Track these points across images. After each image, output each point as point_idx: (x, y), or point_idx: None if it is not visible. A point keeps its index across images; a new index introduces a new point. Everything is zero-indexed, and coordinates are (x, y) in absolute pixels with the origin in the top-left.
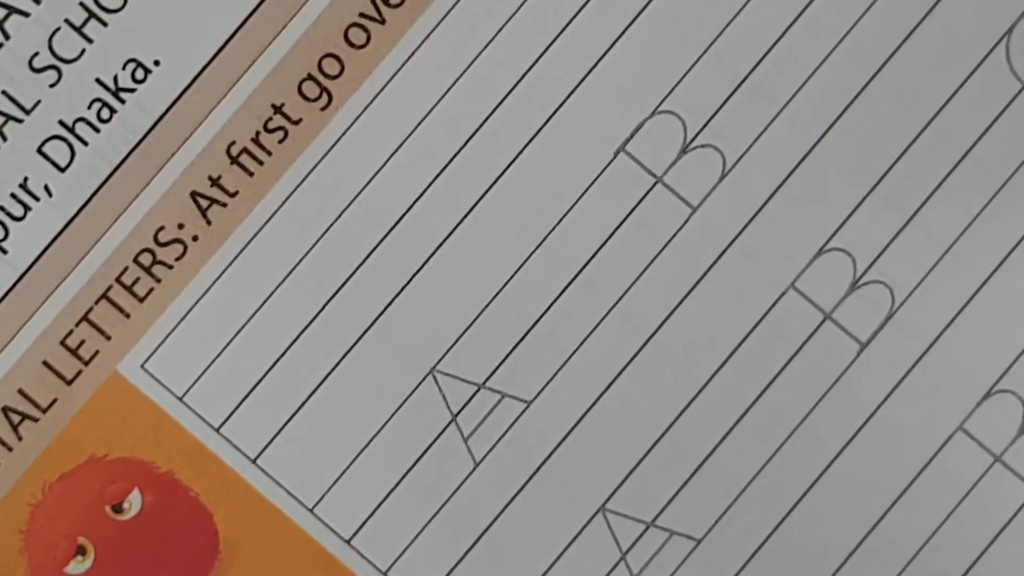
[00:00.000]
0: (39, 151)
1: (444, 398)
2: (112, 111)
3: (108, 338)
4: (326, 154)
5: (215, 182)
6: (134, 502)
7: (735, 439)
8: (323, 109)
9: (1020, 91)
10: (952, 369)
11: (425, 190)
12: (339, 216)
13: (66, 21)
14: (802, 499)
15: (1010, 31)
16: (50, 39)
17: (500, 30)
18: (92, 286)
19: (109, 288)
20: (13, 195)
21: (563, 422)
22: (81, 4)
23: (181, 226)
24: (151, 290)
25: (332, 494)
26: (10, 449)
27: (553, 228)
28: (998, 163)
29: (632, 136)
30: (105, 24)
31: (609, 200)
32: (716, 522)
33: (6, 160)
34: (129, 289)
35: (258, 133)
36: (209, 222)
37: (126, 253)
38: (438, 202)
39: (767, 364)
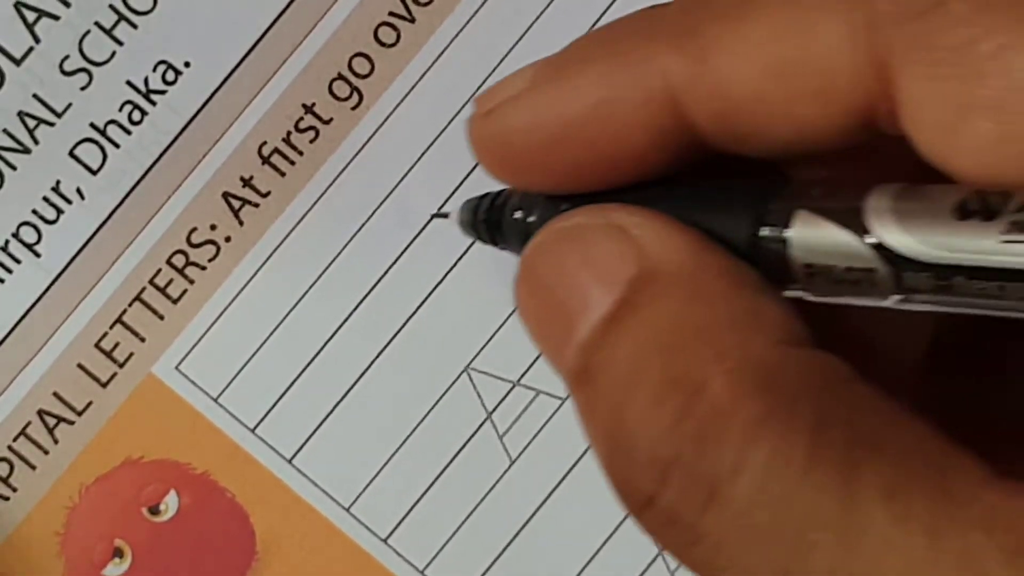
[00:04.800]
0: (71, 154)
1: (479, 396)
2: (143, 113)
3: (142, 340)
4: (357, 153)
5: (247, 182)
6: (170, 504)
7: None
8: (354, 108)
9: None
10: None
11: (457, 188)
12: (372, 215)
13: (96, 24)
14: None
15: None
16: (80, 42)
17: (530, 27)
18: (126, 288)
19: (143, 290)
20: (46, 198)
21: None
22: (111, 6)
23: (214, 227)
24: (185, 291)
25: (368, 493)
26: (46, 452)
27: None
28: None
29: None
30: (135, 26)
31: None
32: None
33: (38, 163)
34: (163, 291)
35: (289, 133)
36: (241, 223)
37: (159, 255)
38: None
39: None
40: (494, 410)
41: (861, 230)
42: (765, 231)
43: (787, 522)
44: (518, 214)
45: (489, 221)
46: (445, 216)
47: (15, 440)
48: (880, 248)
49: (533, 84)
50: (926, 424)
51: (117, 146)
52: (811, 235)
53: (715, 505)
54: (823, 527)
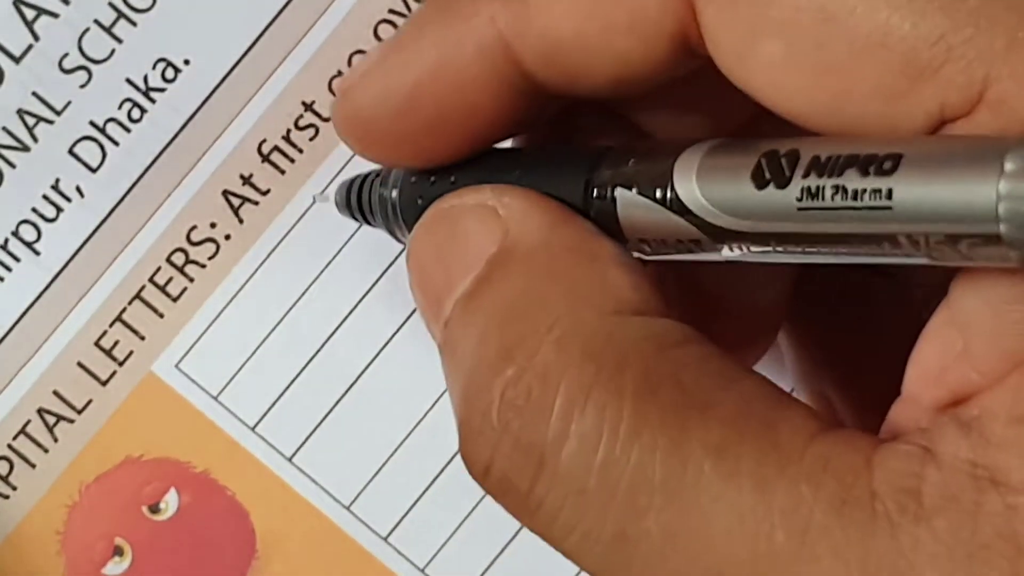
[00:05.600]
0: (70, 152)
1: None
2: (143, 111)
3: (142, 338)
4: None
5: (247, 180)
6: (170, 502)
7: None
8: None
9: None
10: None
11: None
12: None
13: (95, 21)
14: None
15: None
16: (80, 40)
17: None
18: (125, 286)
19: (142, 288)
20: (45, 196)
21: None
22: (110, 4)
23: (213, 225)
24: (184, 289)
25: (368, 491)
26: (46, 451)
27: None
28: None
29: None
30: (134, 24)
31: None
32: None
33: (37, 161)
34: (162, 289)
35: (289, 131)
36: (241, 220)
37: (159, 253)
38: None
39: None
40: None
41: (673, 205)
42: (594, 200)
43: (617, 486)
44: (383, 191)
45: (360, 200)
46: (327, 199)
47: (15, 439)
48: (691, 216)
49: (380, 57)
50: (759, 381)
51: (117, 144)
52: (630, 206)
53: (544, 473)
54: (653, 489)
